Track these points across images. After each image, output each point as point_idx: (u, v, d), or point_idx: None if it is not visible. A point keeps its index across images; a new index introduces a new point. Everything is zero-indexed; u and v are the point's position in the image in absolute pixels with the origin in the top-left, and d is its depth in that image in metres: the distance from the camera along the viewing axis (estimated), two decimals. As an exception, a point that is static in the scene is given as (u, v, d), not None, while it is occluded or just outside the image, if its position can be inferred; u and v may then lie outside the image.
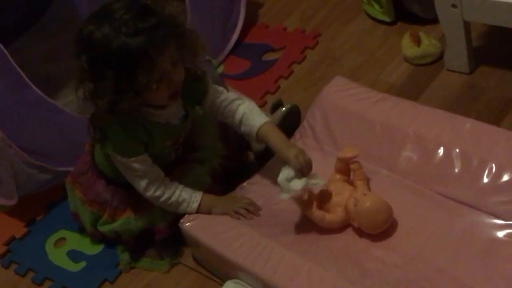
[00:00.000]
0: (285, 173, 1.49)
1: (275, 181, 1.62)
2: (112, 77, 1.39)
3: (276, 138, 1.55)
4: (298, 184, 1.47)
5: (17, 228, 1.84)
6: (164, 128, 1.54)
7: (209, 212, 1.59)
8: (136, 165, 1.52)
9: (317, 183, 1.48)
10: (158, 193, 1.56)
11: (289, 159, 1.49)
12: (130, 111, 1.44)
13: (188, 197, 1.58)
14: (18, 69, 1.74)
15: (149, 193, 1.56)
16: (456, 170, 1.51)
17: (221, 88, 1.64)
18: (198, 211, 1.58)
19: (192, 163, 1.67)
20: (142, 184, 1.55)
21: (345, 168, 1.55)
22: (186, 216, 1.58)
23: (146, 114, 1.51)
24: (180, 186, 1.58)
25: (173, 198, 1.56)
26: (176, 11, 1.47)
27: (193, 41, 1.49)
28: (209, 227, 1.55)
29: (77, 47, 1.45)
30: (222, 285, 1.52)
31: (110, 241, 1.71)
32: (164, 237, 1.64)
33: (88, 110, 1.52)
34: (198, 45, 1.50)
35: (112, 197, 1.64)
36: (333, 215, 1.50)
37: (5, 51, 1.70)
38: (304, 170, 1.48)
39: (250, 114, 1.59)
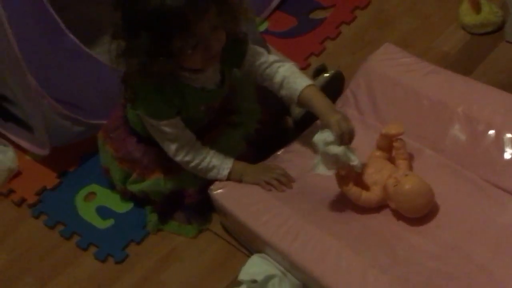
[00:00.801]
0: (324, 135, 1.40)
1: (312, 152, 1.55)
2: (146, 38, 1.33)
3: (319, 102, 1.47)
4: (335, 150, 1.37)
5: (49, 178, 1.82)
6: (199, 93, 1.48)
7: (240, 180, 1.53)
8: (166, 129, 1.47)
9: (353, 160, 1.38)
10: (188, 157, 1.50)
11: (331, 123, 1.40)
12: (162, 74, 1.38)
13: (218, 163, 1.52)
14: (55, 14, 1.69)
15: (179, 158, 1.50)
16: (507, 157, 1.40)
17: (261, 50, 1.56)
18: (228, 178, 1.52)
19: (226, 126, 1.60)
20: (172, 147, 1.49)
21: (388, 145, 1.47)
22: (216, 182, 1.52)
23: (181, 77, 1.44)
24: (211, 152, 1.52)
25: (203, 164, 1.51)
26: None
27: (235, 5, 1.40)
28: (239, 197, 1.49)
29: (114, 1, 1.38)
30: (249, 256, 1.47)
31: (139, 200, 1.68)
32: (193, 202, 1.59)
33: (123, 64, 1.45)
34: (241, 10, 1.42)
35: (142, 156, 1.60)
36: (370, 193, 1.42)
37: (41, -6, 1.63)
38: (345, 137, 1.39)
39: (292, 77, 1.51)
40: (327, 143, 1.39)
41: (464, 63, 1.76)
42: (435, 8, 1.95)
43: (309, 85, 1.49)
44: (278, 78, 1.52)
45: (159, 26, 1.32)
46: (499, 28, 1.81)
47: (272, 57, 1.55)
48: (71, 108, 1.75)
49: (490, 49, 1.79)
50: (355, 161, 1.37)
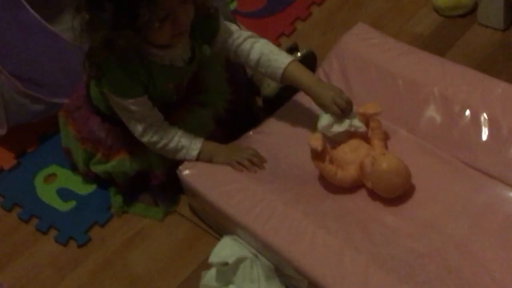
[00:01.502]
0: (325, 119, 1.41)
1: (284, 131, 1.55)
2: (111, 10, 1.26)
3: (306, 78, 1.43)
4: (341, 127, 1.40)
5: (6, 159, 1.75)
6: (167, 70, 1.42)
7: (210, 161, 1.47)
8: (133, 107, 1.41)
9: (359, 127, 1.40)
10: (155, 138, 1.44)
11: (326, 105, 1.40)
12: (127, 49, 1.32)
13: (187, 143, 1.46)
14: (13, -13, 1.61)
15: (146, 138, 1.45)
16: (483, 138, 1.38)
17: (233, 26, 1.50)
18: (198, 159, 1.47)
19: (194, 106, 1.55)
20: (139, 128, 1.43)
21: (364, 125, 1.43)
22: (185, 163, 1.47)
23: (148, 53, 1.38)
24: (180, 131, 1.47)
25: (171, 144, 1.45)
26: None
27: None
28: (209, 177, 1.44)
29: None
30: (218, 239, 1.42)
31: (103, 182, 1.62)
32: (160, 183, 1.54)
33: (79, 39, 1.38)
34: None
35: (107, 136, 1.53)
36: (346, 172, 1.38)
37: (-1, -32, 1.56)
38: (345, 112, 1.39)
39: (271, 54, 1.46)
40: (330, 125, 1.40)
41: (437, 45, 1.74)
42: (406, -11, 1.93)
43: (291, 62, 1.45)
44: (254, 55, 1.47)
45: None
46: (472, 10, 1.79)
47: (245, 33, 1.49)
48: (30, 85, 1.68)
49: (462, 32, 1.77)
50: (362, 127, 1.40)
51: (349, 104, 1.40)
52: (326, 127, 1.41)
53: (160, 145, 1.45)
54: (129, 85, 1.38)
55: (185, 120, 1.51)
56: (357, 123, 1.41)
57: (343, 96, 1.40)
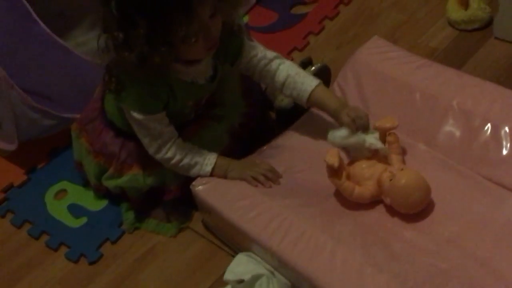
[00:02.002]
0: (339, 131, 1.40)
1: (299, 145, 1.52)
2: (146, 27, 1.24)
3: (333, 103, 1.44)
4: (354, 139, 1.38)
5: (16, 175, 1.72)
6: (188, 87, 1.40)
7: (224, 176, 1.45)
8: (151, 124, 1.39)
9: (374, 144, 1.37)
10: (169, 154, 1.42)
11: (341, 118, 1.40)
12: (161, 66, 1.29)
13: (201, 159, 1.44)
14: (26, 3, 1.60)
15: (160, 155, 1.42)
16: (504, 152, 1.36)
17: (254, 43, 1.50)
18: (212, 174, 1.44)
19: (209, 120, 1.52)
20: (154, 144, 1.42)
21: (381, 139, 1.40)
22: (199, 178, 1.44)
23: (171, 69, 1.36)
24: (194, 148, 1.44)
25: (185, 160, 1.43)
26: None
27: None
28: (224, 193, 1.41)
29: None
30: (233, 256, 1.39)
31: (114, 197, 1.59)
32: (174, 198, 1.51)
33: (102, 57, 1.36)
34: None
35: (120, 150, 1.51)
36: (363, 188, 1.35)
37: (12, -18, 1.55)
38: (357, 123, 1.38)
39: (297, 77, 1.46)
40: (344, 138, 1.39)
41: (452, 60, 1.72)
42: (421, 3, 1.91)
43: (318, 85, 1.46)
44: (280, 77, 1.47)
45: (160, 11, 1.23)
46: (487, 24, 1.77)
47: (270, 53, 1.49)
48: (41, 100, 1.67)
49: (478, 46, 1.75)
50: (378, 145, 1.36)
51: (363, 118, 1.39)
52: (339, 137, 1.39)
53: (174, 161, 1.43)
54: (149, 101, 1.37)
55: (199, 135, 1.49)
56: (372, 140, 1.38)
57: (358, 111, 1.40)
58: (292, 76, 1.46)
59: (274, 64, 1.47)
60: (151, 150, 1.43)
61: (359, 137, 1.38)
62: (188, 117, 1.49)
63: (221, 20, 1.34)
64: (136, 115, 1.38)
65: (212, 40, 1.33)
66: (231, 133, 1.53)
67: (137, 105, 1.37)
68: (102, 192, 1.60)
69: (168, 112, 1.41)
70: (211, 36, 1.32)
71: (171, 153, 1.42)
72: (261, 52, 1.47)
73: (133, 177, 1.51)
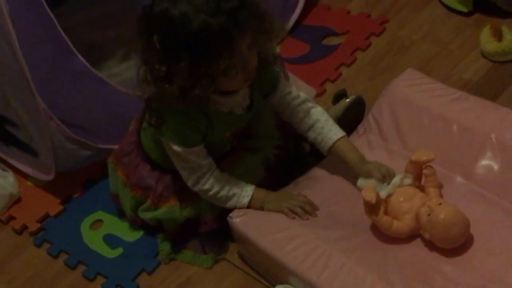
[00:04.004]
0: (367, 181, 1.41)
1: (333, 177, 1.53)
2: (189, 60, 1.27)
3: (353, 155, 1.47)
4: (385, 192, 1.38)
5: (52, 205, 1.74)
6: (226, 117, 1.42)
7: (261, 208, 1.46)
8: (190, 157, 1.41)
9: (399, 182, 1.39)
10: (207, 186, 1.43)
11: (370, 171, 1.42)
12: (201, 98, 1.32)
13: (238, 191, 1.45)
14: (65, 36, 1.63)
15: (197, 187, 1.44)
16: (543, 186, 1.35)
17: (292, 86, 1.53)
18: (249, 206, 1.45)
19: (244, 152, 1.54)
20: (192, 177, 1.43)
21: (417, 172, 1.40)
22: (236, 210, 1.45)
23: (211, 101, 1.38)
24: (232, 179, 1.45)
25: (223, 192, 1.44)
26: None
27: (270, 24, 1.36)
28: (261, 225, 1.42)
29: (147, 26, 1.31)
30: (270, 288, 1.39)
31: (150, 228, 1.60)
32: (210, 230, 1.51)
33: (142, 88, 1.39)
34: (275, 29, 1.37)
35: (157, 183, 1.52)
36: (402, 223, 1.35)
37: (52, 16, 1.59)
38: (387, 179, 1.40)
39: (325, 123, 1.50)
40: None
41: (487, 92, 1.72)
42: (453, 35, 1.91)
43: (343, 136, 1.49)
44: (310, 120, 1.50)
45: (202, 45, 1.26)
46: (523, 56, 1.77)
47: (302, 95, 1.52)
48: (78, 131, 1.68)
49: (512, 78, 1.75)
50: (407, 181, 1.39)
51: (391, 172, 1.42)
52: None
53: (211, 193, 1.44)
54: (188, 134, 1.39)
55: (235, 167, 1.50)
56: (397, 181, 1.39)
57: (385, 167, 1.42)
58: (322, 122, 1.49)
59: (306, 106, 1.50)
60: (189, 182, 1.44)
61: (389, 188, 1.38)
62: (225, 148, 1.50)
63: (256, 53, 1.36)
64: (176, 148, 1.40)
65: (250, 72, 1.36)
66: (266, 165, 1.54)
67: (176, 138, 1.39)
68: (138, 224, 1.61)
69: (206, 144, 1.42)
70: (249, 68, 1.35)
71: (209, 184, 1.44)
72: (295, 91, 1.50)
73: (170, 209, 1.52)
